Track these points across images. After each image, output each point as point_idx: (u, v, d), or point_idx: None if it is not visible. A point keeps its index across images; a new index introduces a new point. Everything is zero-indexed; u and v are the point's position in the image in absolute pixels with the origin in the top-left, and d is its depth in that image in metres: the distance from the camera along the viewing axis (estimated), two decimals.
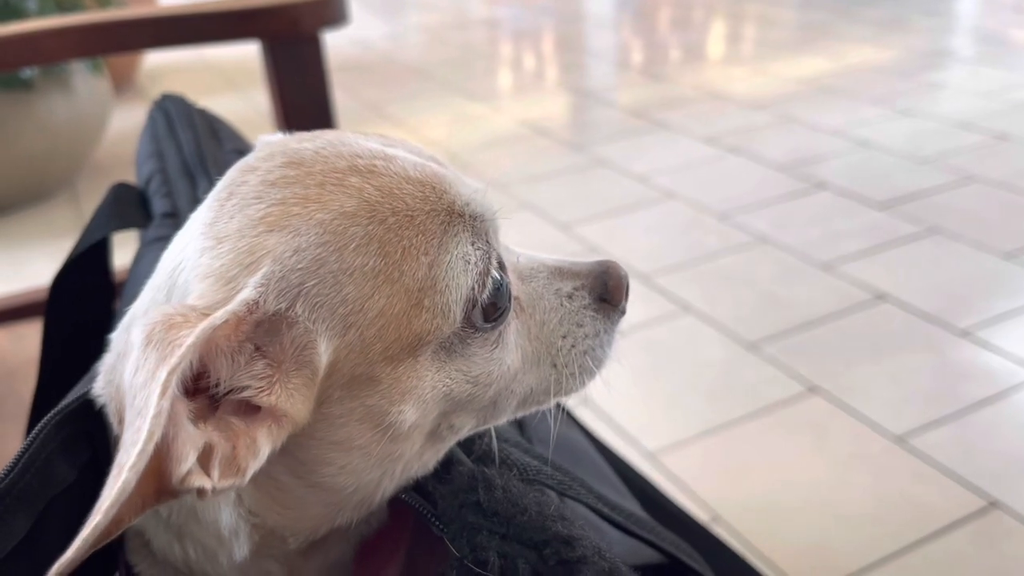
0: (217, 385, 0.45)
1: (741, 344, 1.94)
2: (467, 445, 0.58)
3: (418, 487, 0.54)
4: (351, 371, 0.49)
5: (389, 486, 0.55)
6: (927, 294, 2.08)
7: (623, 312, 0.63)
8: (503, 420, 0.59)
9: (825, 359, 1.87)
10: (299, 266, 0.48)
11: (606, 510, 0.61)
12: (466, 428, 0.56)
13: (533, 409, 0.60)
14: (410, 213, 0.50)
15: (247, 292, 0.46)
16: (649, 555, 0.65)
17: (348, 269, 0.48)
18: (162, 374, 0.41)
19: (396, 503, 0.57)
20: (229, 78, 4.50)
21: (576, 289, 0.61)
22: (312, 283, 0.48)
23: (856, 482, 1.53)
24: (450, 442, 0.57)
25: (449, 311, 0.50)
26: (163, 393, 0.40)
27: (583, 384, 0.61)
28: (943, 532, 1.40)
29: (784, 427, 1.67)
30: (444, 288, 0.50)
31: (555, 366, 0.59)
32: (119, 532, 0.40)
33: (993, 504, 1.45)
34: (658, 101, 3.71)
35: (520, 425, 0.69)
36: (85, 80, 3.02)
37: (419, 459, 0.55)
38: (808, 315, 2.03)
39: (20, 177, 2.93)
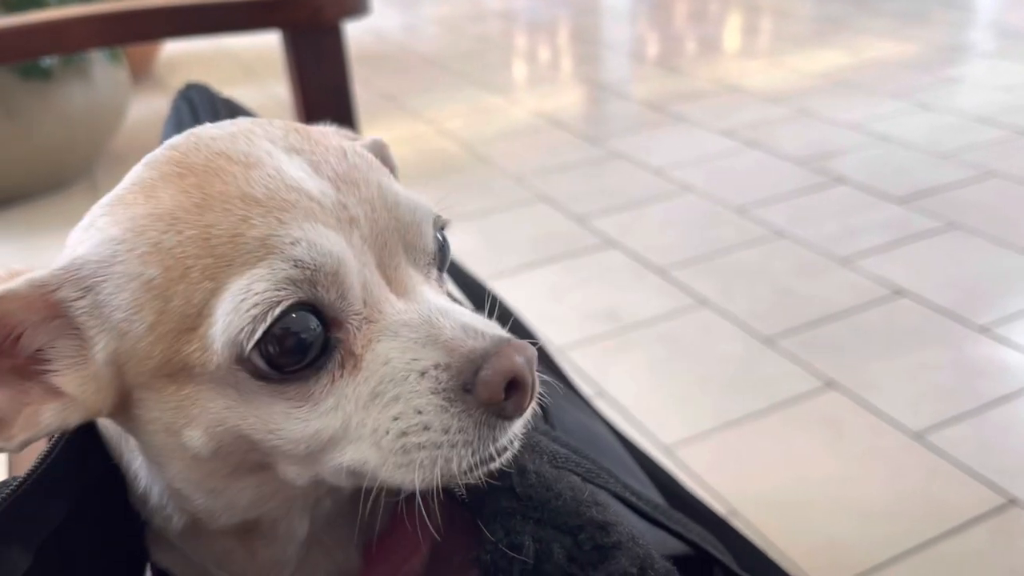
0: (22, 353, 0.48)
1: (758, 338, 1.93)
2: None
3: None
4: (135, 379, 0.49)
5: (256, 502, 0.53)
6: (945, 290, 2.06)
7: (509, 415, 0.48)
8: (344, 483, 0.51)
9: (842, 354, 1.86)
10: (98, 258, 0.48)
11: (633, 499, 0.61)
12: (300, 477, 0.51)
13: (376, 484, 0.50)
14: (213, 232, 0.46)
15: (42, 273, 0.48)
16: (675, 545, 0.65)
17: (131, 274, 0.47)
18: None
19: None
20: (248, 68, 4.51)
21: (436, 367, 0.48)
22: (102, 279, 0.48)
23: (873, 478, 1.52)
24: (303, 481, 0.51)
25: (213, 347, 0.46)
26: None
27: (408, 484, 0.48)
28: (960, 529, 1.40)
29: (800, 422, 1.67)
30: (215, 321, 0.46)
31: (379, 448, 0.48)
32: None
33: (1012, 501, 1.44)
34: (675, 94, 3.69)
35: (544, 412, 0.69)
36: (104, 69, 3.03)
37: (274, 489, 0.52)
38: (825, 310, 2.02)
39: (39, 165, 2.95)
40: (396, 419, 0.47)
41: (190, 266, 0.46)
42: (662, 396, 1.78)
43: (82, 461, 0.54)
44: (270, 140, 0.51)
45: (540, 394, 0.51)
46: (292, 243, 0.46)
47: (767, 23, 4.94)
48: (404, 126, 3.58)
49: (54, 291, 0.48)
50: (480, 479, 0.48)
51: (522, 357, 0.47)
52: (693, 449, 1.61)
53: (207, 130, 0.53)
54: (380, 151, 0.60)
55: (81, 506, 0.53)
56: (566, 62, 4.61)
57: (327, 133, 0.55)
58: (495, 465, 0.48)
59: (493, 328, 0.49)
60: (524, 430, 0.49)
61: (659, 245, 2.39)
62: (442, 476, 0.47)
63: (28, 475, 0.50)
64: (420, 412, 0.47)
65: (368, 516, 0.55)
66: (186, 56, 4.72)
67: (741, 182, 2.75)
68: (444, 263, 0.56)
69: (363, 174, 0.51)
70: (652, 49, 4.66)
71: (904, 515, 1.44)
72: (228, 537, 0.56)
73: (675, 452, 1.60)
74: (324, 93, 1.38)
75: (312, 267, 0.46)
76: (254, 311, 0.45)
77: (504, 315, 0.66)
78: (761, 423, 1.67)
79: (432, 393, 0.47)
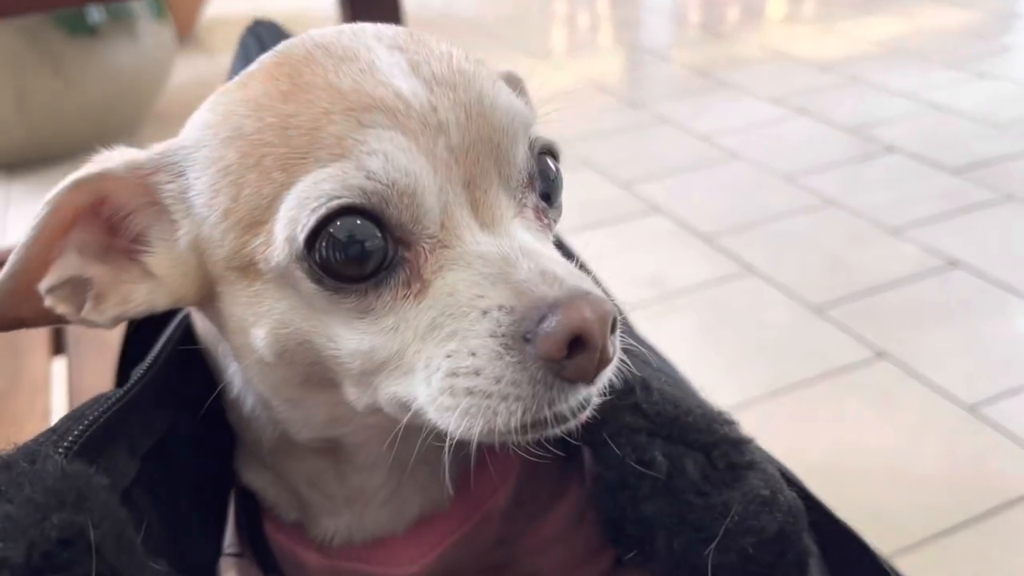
0: (128, 234, 0.50)
1: (807, 307, 1.90)
2: None
3: None
4: (213, 268, 0.49)
5: (331, 422, 0.52)
6: (1001, 261, 2.01)
7: (571, 377, 0.43)
8: (399, 415, 0.48)
9: (894, 325, 1.82)
10: (190, 143, 0.49)
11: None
12: (359, 400, 0.48)
13: (425, 425, 0.47)
14: (292, 122, 0.44)
15: (140, 155, 0.50)
16: None
17: (212, 158, 0.47)
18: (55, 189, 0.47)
19: None
20: (290, 29, 4.49)
21: (500, 308, 0.43)
22: (190, 164, 0.48)
23: (925, 450, 1.49)
24: (362, 405, 0.48)
25: (275, 242, 0.45)
26: (47, 204, 0.47)
27: (453, 430, 0.44)
28: (1014, 503, 1.37)
29: (851, 392, 1.64)
30: (280, 218, 0.44)
31: (428, 384, 0.45)
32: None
33: None
34: (721, 59, 3.62)
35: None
36: (149, 27, 3.03)
37: (348, 411, 0.50)
38: (876, 280, 1.98)
39: (84, 123, 2.97)
40: (449, 356, 0.44)
41: (265, 154, 0.45)
42: (709, 363, 1.76)
43: (185, 373, 0.55)
44: (376, 37, 0.49)
45: (626, 364, 0.47)
46: (369, 153, 0.43)
47: None
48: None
49: (150, 175, 0.49)
50: (530, 442, 0.44)
51: (595, 314, 0.41)
52: (740, 417, 1.57)
53: (319, 30, 0.51)
54: (514, 84, 0.56)
55: (182, 418, 0.53)
56: (608, 26, 4.53)
57: (442, 41, 0.51)
58: (553, 432, 0.44)
59: (576, 278, 0.44)
60: (598, 400, 0.44)
61: (705, 212, 2.35)
62: (488, 430, 0.43)
63: (133, 384, 0.50)
64: (473, 354, 0.43)
65: (459, 452, 0.54)
66: (228, 18, 4.71)
67: (790, 150, 2.70)
68: (553, 194, 0.50)
69: (465, 78, 0.47)
70: (696, 14, 4.57)
71: (956, 487, 1.41)
72: (318, 457, 0.56)
73: None
74: None
75: (386, 183, 0.43)
76: (314, 205, 0.43)
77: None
78: (810, 392, 1.64)
79: (490, 336, 0.43)
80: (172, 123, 0.53)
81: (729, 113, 3.04)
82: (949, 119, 2.85)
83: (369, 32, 0.49)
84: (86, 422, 0.47)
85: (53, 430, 0.47)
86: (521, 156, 0.47)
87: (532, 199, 0.49)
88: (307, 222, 0.43)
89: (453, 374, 0.44)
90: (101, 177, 0.49)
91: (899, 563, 1.26)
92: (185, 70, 3.57)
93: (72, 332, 1.27)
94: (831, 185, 2.44)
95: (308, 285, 0.45)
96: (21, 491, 0.39)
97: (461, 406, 0.43)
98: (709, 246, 2.18)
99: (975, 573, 1.28)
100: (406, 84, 0.46)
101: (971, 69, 3.26)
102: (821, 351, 1.76)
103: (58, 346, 1.29)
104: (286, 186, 0.44)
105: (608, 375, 0.44)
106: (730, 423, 0.46)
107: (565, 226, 0.63)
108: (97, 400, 0.49)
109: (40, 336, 1.27)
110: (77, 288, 0.49)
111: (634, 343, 0.53)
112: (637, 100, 3.28)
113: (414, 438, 0.48)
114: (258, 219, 0.45)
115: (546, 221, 0.50)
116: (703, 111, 3.08)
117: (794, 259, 2.10)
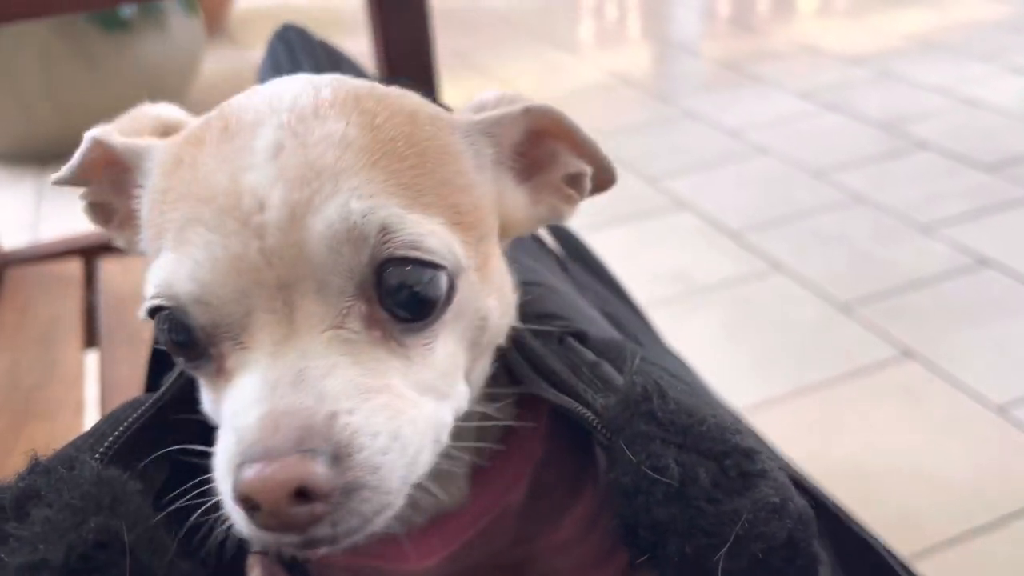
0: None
1: (834, 304, 1.89)
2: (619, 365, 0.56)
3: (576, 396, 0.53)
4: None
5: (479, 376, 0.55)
6: None
7: (270, 528, 0.42)
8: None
9: (922, 323, 1.81)
10: (153, 161, 0.52)
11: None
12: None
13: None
14: (168, 198, 0.48)
15: (129, 143, 0.54)
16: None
17: (151, 187, 0.52)
18: None
19: (530, 410, 0.58)
20: (318, 25, 4.51)
21: (235, 436, 0.43)
22: (147, 178, 0.53)
23: (952, 450, 1.48)
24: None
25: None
26: (84, 144, 0.57)
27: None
28: None
29: (877, 391, 1.63)
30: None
31: None
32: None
33: None
34: (749, 53, 3.59)
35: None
36: (180, 21, 3.07)
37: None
38: (905, 277, 1.96)
39: (115, 115, 3.01)
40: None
41: (157, 212, 0.49)
42: (735, 360, 1.75)
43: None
44: (287, 109, 0.45)
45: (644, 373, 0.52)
46: (186, 255, 0.43)
47: None
48: (473, 84, 3.56)
49: (127, 168, 0.55)
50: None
51: (262, 482, 0.39)
52: (765, 414, 1.59)
53: (261, 88, 0.50)
54: (539, 119, 0.54)
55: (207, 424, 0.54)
56: (636, 19, 4.52)
57: (388, 100, 0.48)
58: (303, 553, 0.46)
59: (284, 435, 0.40)
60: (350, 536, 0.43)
61: (733, 207, 2.34)
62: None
63: (165, 391, 0.52)
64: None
65: (475, 452, 0.56)
66: (257, 12, 4.75)
67: (819, 145, 2.68)
68: (424, 305, 0.45)
69: (318, 174, 0.43)
70: (725, 7, 4.53)
71: (983, 489, 1.40)
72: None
73: (747, 417, 1.58)
74: (405, 48, 1.38)
75: (187, 291, 0.43)
76: (149, 291, 0.45)
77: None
78: (837, 390, 1.63)
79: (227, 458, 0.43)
80: (202, 115, 0.55)
81: (758, 108, 3.02)
82: (982, 114, 2.81)
83: (286, 100, 0.46)
84: (121, 428, 0.49)
85: (90, 434, 0.49)
86: (344, 266, 0.43)
87: (361, 309, 0.44)
88: (144, 304, 0.46)
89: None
90: (103, 143, 0.54)
91: (924, 564, 1.26)
92: (215, 63, 3.60)
93: (105, 326, 1.30)
94: (861, 181, 2.42)
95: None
96: (60, 496, 0.41)
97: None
98: (736, 242, 2.17)
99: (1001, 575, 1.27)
100: (255, 176, 0.43)
101: (1005, 63, 3.21)
102: (848, 350, 1.75)
103: (91, 339, 1.31)
104: (155, 254, 0.47)
105: (349, 519, 0.42)
106: (742, 432, 0.47)
107: (591, 220, 0.65)
108: (132, 404, 0.50)
109: (73, 330, 1.30)
110: (108, 210, 0.58)
111: (653, 357, 0.55)
112: (665, 94, 3.27)
113: None
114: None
115: (393, 333, 0.45)
116: (731, 105, 3.06)
117: (822, 256, 2.08)
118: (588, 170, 0.56)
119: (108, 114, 0.60)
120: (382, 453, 0.41)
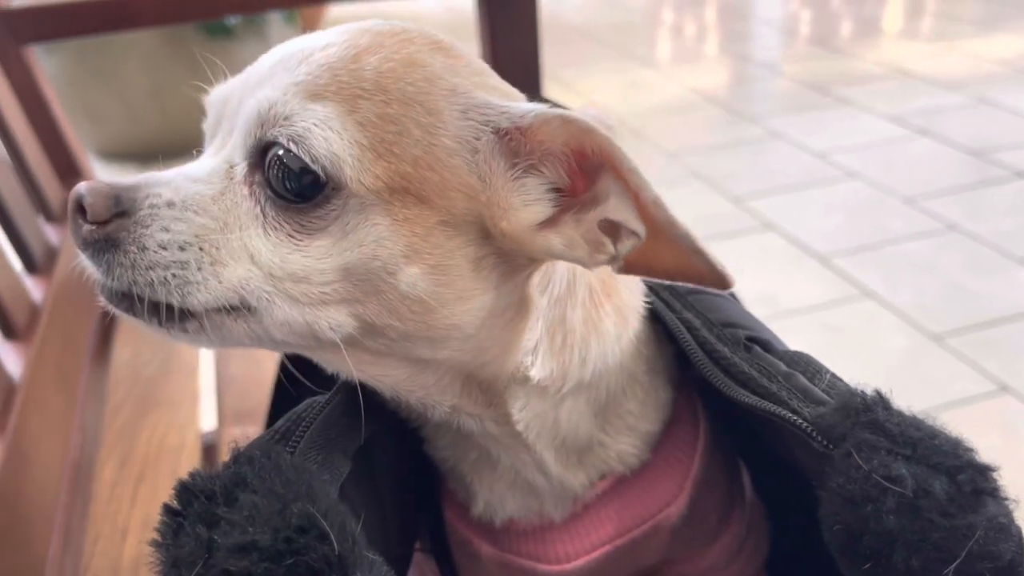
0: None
1: (925, 334, 1.86)
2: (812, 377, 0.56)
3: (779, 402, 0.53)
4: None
5: (396, 385, 0.57)
6: None
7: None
8: None
9: (1019, 357, 1.77)
10: None
11: None
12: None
13: None
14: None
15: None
16: None
17: None
18: None
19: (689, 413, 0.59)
20: None
21: None
22: None
23: None
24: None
25: None
26: None
27: None
28: None
29: (971, 424, 1.59)
30: None
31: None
32: None
33: None
34: (837, 75, 3.55)
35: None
36: (279, 29, 3.17)
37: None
38: (1001, 310, 1.92)
39: None
40: None
41: None
42: None
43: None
44: (337, 32, 0.55)
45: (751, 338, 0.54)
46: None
47: (933, 3, 4.67)
48: (556, 98, 3.58)
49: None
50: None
51: (73, 191, 0.50)
52: None
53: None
54: (578, 136, 0.49)
55: (383, 417, 0.57)
56: (720, 38, 4.50)
57: (398, 46, 0.53)
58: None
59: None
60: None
61: (820, 231, 2.32)
62: None
63: (337, 388, 0.55)
64: None
65: (595, 448, 0.58)
66: (346, 19, 4.86)
67: (911, 171, 2.63)
68: (284, 190, 0.50)
69: (284, 69, 0.52)
70: (809, 28, 4.48)
71: None
72: (459, 436, 0.59)
73: None
74: (514, 58, 1.41)
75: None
76: None
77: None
78: None
79: None
80: None
81: (845, 130, 2.98)
82: None
83: (339, 29, 0.55)
84: (304, 424, 0.52)
85: (275, 430, 0.52)
86: (252, 132, 0.51)
87: (247, 166, 0.52)
88: None
89: None
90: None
91: None
92: None
93: None
94: (953, 209, 2.38)
95: None
96: (263, 483, 0.44)
97: None
98: (824, 266, 2.15)
99: None
100: (264, 59, 0.56)
101: None
102: (940, 381, 1.72)
103: None
104: None
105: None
106: (973, 449, 0.47)
107: None
108: (310, 404, 0.53)
109: None
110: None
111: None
112: (748, 113, 3.25)
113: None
114: None
115: (261, 200, 0.51)
116: (818, 127, 3.03)
117: (913, 284, 2.05)
118: (636, 226, 0.49)
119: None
120: (159, 245, 0.49)
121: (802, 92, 3.44)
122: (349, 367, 0.52)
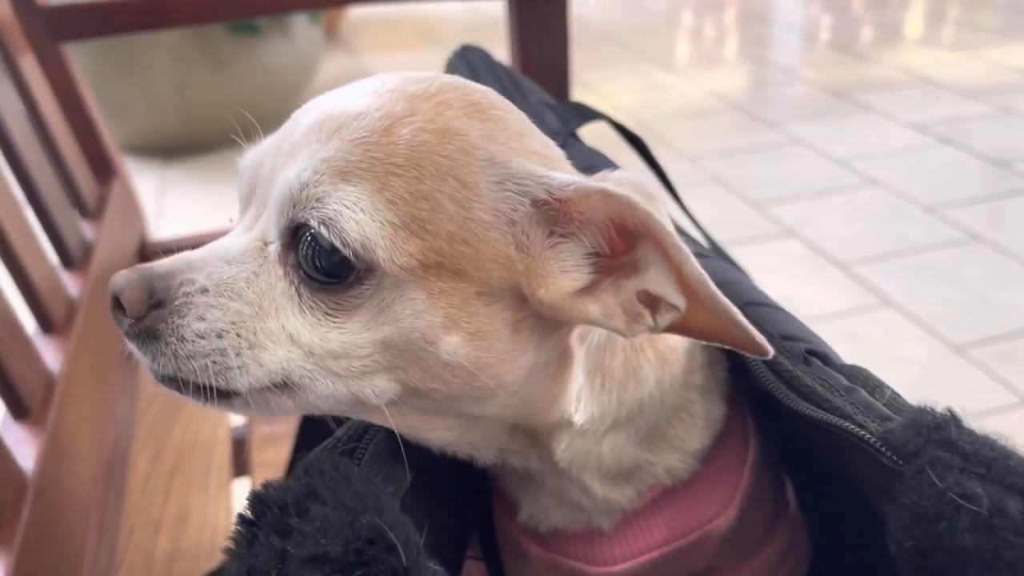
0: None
1: (946, 345, 1.86)
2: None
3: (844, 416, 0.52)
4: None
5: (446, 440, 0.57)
6: None
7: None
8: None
9: None
10: None
11: None
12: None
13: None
14: None
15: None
16: None
17: None
18: None
19: (738, 432, 0.60)
20: (427, 33, 4.63)
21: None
22: None
23: None
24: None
25: None
26: None
27: None
28: None
29: None
30: None
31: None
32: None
33: None
34: (860, 82, 3.54)
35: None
36: (304, 28, 3.19)
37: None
38: (1023, 322, 1.92)
39: (237, 114, 3.15)
40: None
41: None
42: None
43: None
44: (374, 91, 0.52)
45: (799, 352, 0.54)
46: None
47: (955, 11, 4.65)
48: (577, 99, 3.59)
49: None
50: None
51: (111, 282, 0.50)
52: None
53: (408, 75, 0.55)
54: (618, 209, 0.49)
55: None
56: (741, 42, 4.49)
57: (435, 112, 0.51)
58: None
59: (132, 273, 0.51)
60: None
61: (841, 238, 2.32)
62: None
63: None
64: None
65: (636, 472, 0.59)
66: (369, 19, 4.89)
67: (933, 180, 2.63)
68: (317, 272, 0.49)
69: (316, 139, 0.51)
70: (832, 34, 4.47)
71: None
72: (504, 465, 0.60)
73: None
74: (544, 60, 1.41)
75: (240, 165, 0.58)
76: None
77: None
78: None
79: None
80: None
81: (868, 138, 2.98)
82: None
83: (374, 83, 0.54)
84: (368, 436, 0.53)
85: (337, 439, 0.53)
86: (284, 210, 0.50)
87: (281, 245, 0.51)
88: None
89: None
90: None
91: None
92: (329, 66, 3.72)
93: None
94: (975, 219, 2.37)
95: None
96: (334, 495, 0.45)
97: None
98: (844, 274, 2.15)
99: None
100: (299, 119, 0.55)
101: None
102: (960, 392, 1.72)
103: None
104: None
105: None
106: None
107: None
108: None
109: None
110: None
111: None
112: (769, 119, 3.25)
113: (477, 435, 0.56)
114: None
115: (295, 280, 0.51)
116: (839, 133, 3.03)
117: (934, 294, 2.05)
118: (677, 300, 0.48)
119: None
120: (196, 335, 0.49)
121: (823, 98, 3.43)
122: (395, 427, 0.53)
